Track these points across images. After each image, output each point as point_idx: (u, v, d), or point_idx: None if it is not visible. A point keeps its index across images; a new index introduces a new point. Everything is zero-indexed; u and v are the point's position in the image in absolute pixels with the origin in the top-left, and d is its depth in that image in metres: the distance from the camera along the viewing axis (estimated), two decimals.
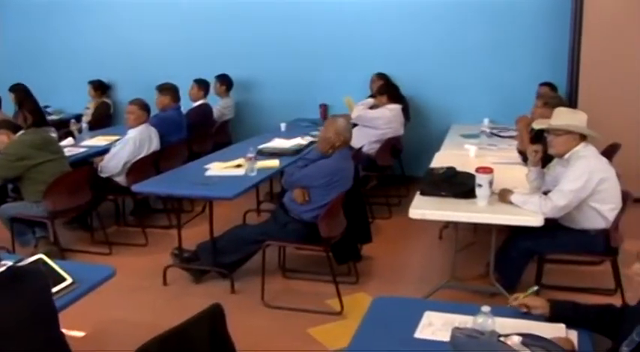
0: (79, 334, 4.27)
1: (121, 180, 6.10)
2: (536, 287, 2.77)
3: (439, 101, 8.27)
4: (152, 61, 8.94)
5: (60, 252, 5.52)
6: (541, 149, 4.54)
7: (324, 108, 8.41)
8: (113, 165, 6.12)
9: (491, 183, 4.19)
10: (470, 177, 4.35)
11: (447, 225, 5.92)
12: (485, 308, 2.41)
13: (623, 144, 5.94)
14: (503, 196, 4.28)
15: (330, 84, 8.37)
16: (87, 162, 6.41)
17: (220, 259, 5.04)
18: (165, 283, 5.16)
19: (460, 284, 4.86)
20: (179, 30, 8.89)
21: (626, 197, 4.41)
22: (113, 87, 9.24)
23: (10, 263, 2.75)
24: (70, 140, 6.93)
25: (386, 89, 7.34)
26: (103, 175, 6.14)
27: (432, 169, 4.85)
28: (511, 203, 4.22)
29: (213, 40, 8.71)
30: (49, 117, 8.42)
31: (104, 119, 8.69)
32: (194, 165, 5.90)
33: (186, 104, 7.82)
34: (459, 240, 5.04)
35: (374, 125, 6.92)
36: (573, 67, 7.23)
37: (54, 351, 2.39)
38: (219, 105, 8.25)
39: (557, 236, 4.41)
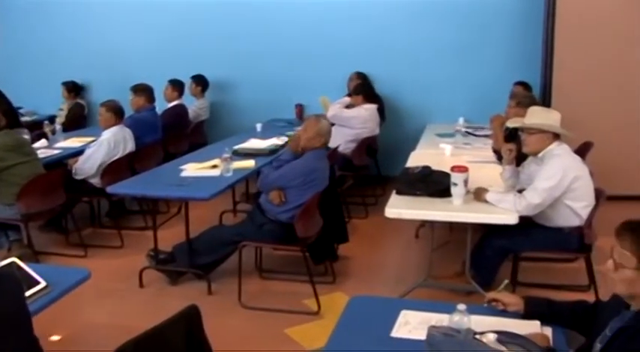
0: (55, 338, 4.23)
1: (95, 181, 6.05)
2: (506, 281, 2.79)
3: (414, 100, 8.31)
4: (127, 61, 8.87)
5: (34, 255, 5.46)
6: (515, 148, 4.58)
7: (300, 108, 8.41)
8: (88, 166, 6.07)
9: (466, 182, 4.21)
10: (445, 176, 4.37)
11: (423, 223, 5.94)
12: (461, 307, 2.42)
13: (596, 143, 6.01)
14: (478, 195, 4.31)
15: (306, 84, 8.36)
16: (61, 164, 6.36)
17: (197, 260, 5.02)
18: (141, 285, 5.12)
19: (436, 282, 4.88)
20: (154, 30, 8.83)
21: (599, 195, 4.45)
22: (87, 88, 9.15)
23: None
24: (43, 142, 6.86)
25: (361, 89, 7.35)
26: (78, 177, 6.09)
27: (408, 168, 4.87)
28: (486, 201, 4.25)
29: (189, 41, 8.66)
30: (22, 119, 8.32)
31: (78, 120, 8.61)
32: (169, 166, 5.87)
33: (162, 105, 7.79)
34: (435, 239, 5.06)
35: (350, 124, 6.93)
36: (546, 66, 7.29)
37: None
38: (195, 106, 8.22)
39: (532, 234, 4.44)
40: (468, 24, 7.97)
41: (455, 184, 4.20)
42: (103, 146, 6.11)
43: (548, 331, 2.50)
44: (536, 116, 4.41)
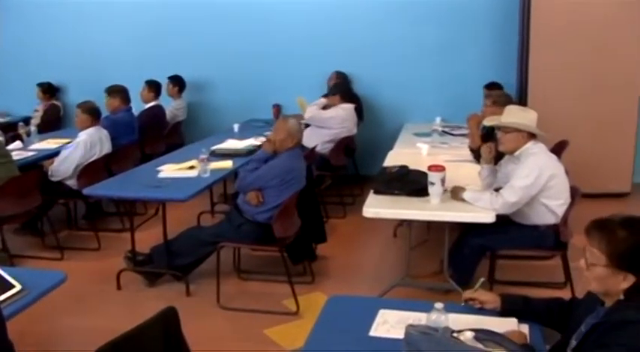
0: (30, 341, 4.19)
1: (72, 183, 6.00)
2: (483, 279, 2.81)
3: (392, 100, 8.33)
4: (103, 62, 8.81)
5: (9, 259, 5.42)
6: (494, 147, 4.61)
7: (277, 108, 8.40)
8: (64, 168, 6.02)
9: (443, 181, 4.23)
10: (422, 176, 4.39)
11: (401, 223, 5.96)
12: (439, 305, 2.43)
13: (571, 142, 6.06)
14: (455, 193, 4.33)
15: (283, 84, 8.36)
16: (36, 166, 6.30)
17: (175, 261, 5.00)
18: (118, 287, 5.10)
19: (415, 281, 4.89)
20: (130, 31, 8.78)
21: (574, 192, 4.49)
22: (63, 89, 9.09)
23: None
24: (18, 143, 6.81)
25: (338, 88, 7.37)
26: (54, 179, 6.04)
27: (385, 168, 4.88)
28: (463, 200, 4.27)
29: (166, 41, 8.62)
30: None
31: (54, 122, 8.55)
32: (147, 167, 5.84)
33: (138, 106, 7.75)
34: (413, 238, 5.08)
35: (328, 125, 6.93)
36: (523, 66, 7.35)
37: None
38: (172, 107, 8.19)
39: (509, 232, 4.47)
40: (445, 24, 8.01)
41: (432, 183, 4.22)
42: (79, 147, 6.06)
43: (525, 328, 2.52)
44: (513, 115, 4.44)
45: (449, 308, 2.49)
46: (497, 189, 4.39)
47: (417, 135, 6.92)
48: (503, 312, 2.63)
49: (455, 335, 2.27)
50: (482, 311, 2.67)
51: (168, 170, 5.50)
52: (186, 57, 8.58)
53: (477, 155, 5.24)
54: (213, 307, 4.73)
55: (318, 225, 5.47)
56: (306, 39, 8.33)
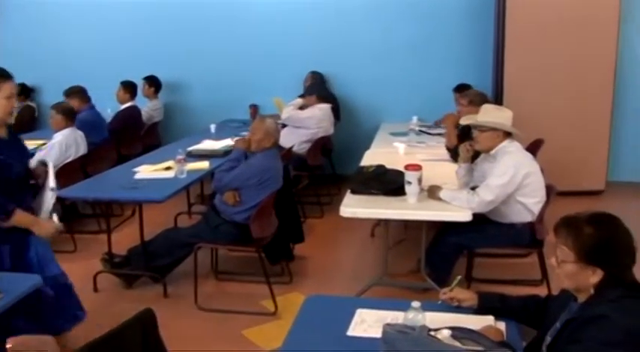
0: (7, 346, 4.14)
1: None
2: (459, 277, 2.83)
3: (368, 100, 8.35)
4: (78, 62, 8.73)
5: None
6: (472, 146, 4.63)
7: (254, 108, 8.38)
8: None
9: (420, 180, 4.24)
10: (399, 175, 4.40)
11: (378, 222, 5.97)
12: (416, 304, 2.44)
13: (547, 140, 6.11)
14: (432, 193, 4.35)
15: (260, 84, 8.36)
16: None
17: (152, 263, 4.97)
18: (95, 290, 5.06)
19: (392, 280, 4.91)
20: (105, 31, 8.73)
21: (550, 190, 4.53)
22: (38, 90, 9.01)
23: None
24: None
25: (315, 89, 7.38)
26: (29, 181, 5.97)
27: (362, 168, 4.89)
28: (440, 199, 4.29)
29: (141, 41, 8.58)
30: None
31: (28, 123, 8.46)
32: (123, 168, 5.80)
33: (114, 106, 7.71)
34: (391, 237, 5.10)
35: (305, 125, 6.93)
36: (498, 66, 7.40)
37: None
38: (148, 107, 8.15)
39: (486, 230, 4.49)
40: (421, 24, 8.05)
41: (409, 182, 4.23)
42: (54, 149, 6.01)
43: (501, 325, 2.54)
44: (489, 114, 4.47)
45: (426, 307, 2.50)
46: (473, 188, 4.42)
47: (394, 134, 6.94)
48: (480, 310, 2.65)
49: (432, 333, 2.28)
50: (459, 309, 2.69)
51: (145, 171, 5.48)
52: (161, 57, 8.54)
53: (453, 154, 5.27)
54: (191, 308, 4.71)
55: (296, 225, 5.47)
56: (283, 39, 8.33)
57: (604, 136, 7.35)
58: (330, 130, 7.30)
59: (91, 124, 6.77)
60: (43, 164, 3.80)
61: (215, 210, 4.92)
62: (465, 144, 4.70)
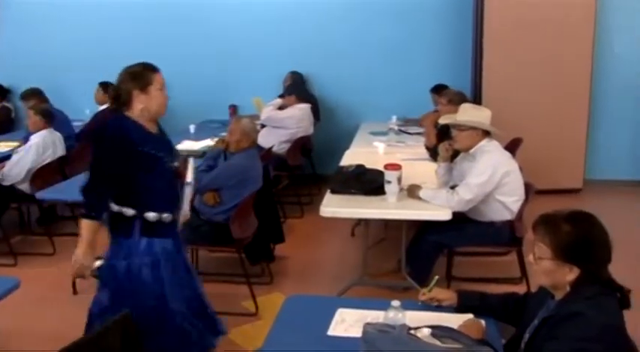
0: None
1: (25, 187, 5.89)
2: (437, 277, 2.84)
3: (348, 100, 8.36)
4: (55, 63, 8.66)
5: None
6: (452, 145, 4.65)
7: (234, 108, 8.37)
8: (16, 172, 5.90)
9: (399, 180, 4.26)
10: (379, 174, 4.41)
11: (358, 222, 5.98)
12: (396, 303, 2.45)
13: (525, 139, 6.15)
14: (411, 192, 4.36)
15: (239, 84, 8.35)
16: None
17: None
18: (75, 292, 5.02)
19: (373, 280, 4.92)
20: (83, 31, 8.66)
21: (528, 189, 4.56)
22: (14, 90, 8.92)
23: None
24: None
25: (294, 89, 7.38)
26: (6, 183, 5.91)
27: (342, 167, 4.90)
28: (420, 198, 4.30)
29: (119, 42, 8.50)
30: None
31: (5, 124, 8.38)
32: None
33: (93, 108, 7.65)
34: (371, 237, 5.11)
35: (284, 125, 6.93)
36: (476, 66, 7.43)
37: None
38: None
39: (465, 229, 4.51)
40: (399, 24, 8.07)
41: (389, 182, 4.25)
42: (31, 150, 5.96)
43: (481, 323, 2.55)
44: (467, 113, 4.49)
45: (406, 306, 2.51)
46: (453, 187, 4.44)
47: (374, 134, 6.95)
48: (459, 309, 2.67)
49: (412, 332, 2.29)
50: (439, 308, 2.70)
51: None
52: (139, 58, 8.39)
53: (433, 153, 5.28)
54: None
55: (276, 226, 5.47)
56: (262, 39, 8.32)
57: (581, 135, 7.42)
58: (310, 130, 7.30)
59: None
60: (185, 160, 3.72)
61: (195, 211, 4.90)
62: (445, 144, 4.71)
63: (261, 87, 8.07)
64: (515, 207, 4.46)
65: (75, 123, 7.54)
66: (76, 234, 6.05)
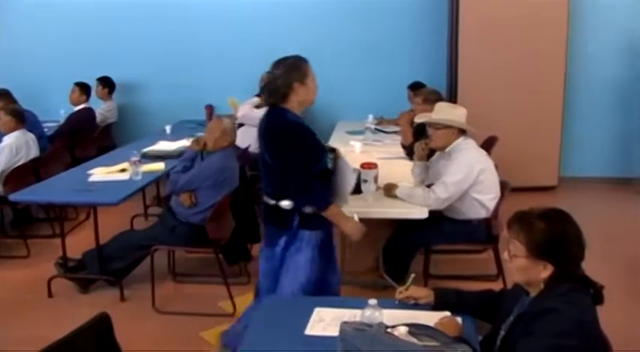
0: None
1: None
2: (413, 275, 2.85)
3: (324, 99, 8.27)
4: (29, 63, 8.57)
5: None
6: (428, 144, 4.67)
7: (210, 108, 8.34)
8: None
9: (376, 178, 4.27)
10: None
11: None
12: (372, 301, 2.45)
13: (500, 137, 6.19)
14: (388, 190, 4.38)
15: (215, 84, 8.31)
16: None
17: (108, 267, 4.92)
18: (50, 295, 4.97)
19: (350, 278, 4.91)
20: (58, 31, 8.58)
21: (504, 187, 4.59)
22: None
23: None
24: None
25: None
26: None
27: None
28: (396, 197, 4.32)
29: (94, 42, 8.45)
30: None
31: None
32: (76, 170, 5.72)
33: (68, 108, 7.59)
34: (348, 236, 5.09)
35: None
36: (452, 64, 7.48)
37: None
38: (102, 109, 8.04)
39: (442, 227, 4.53)
40: (374, 23, 8.10)
41: (365, 181, 4.26)
42: (4, 152, 5.89)
43: (458, 320, 2.56)
44: (443, 112, 4.51)
45: (384, 304, 2.53)
46: (429, 186, 4.45)
47: (350, 133, 6.97)
48: (436, 306, 2.68)
49: (389, 330, 2.30)
50: (416, 306, 2.71)
51: (99, 173, 5.41)
52: (115, 58, 8.44)
53: (409, 152, 5.30)
54: (148, 311, 4.67)
55: (253, 226, 5.45)
56: (238, 39, 8.31)
57: (556, 132, 7.49)
58: None
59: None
60: (332, 150, 3.66)
61: (171, 212, 4.89)
62: (421, 142, 4.73)
63: (237, 87, 8.04)
64: (491, 204, 4.49)
65: (49, 124, 7.50)
66: (51, 236, 6.07)
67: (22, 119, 6.13)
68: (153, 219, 6.20)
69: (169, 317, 4.61)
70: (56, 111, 7.84)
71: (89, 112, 7.67)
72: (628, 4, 7.63)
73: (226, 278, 4.70)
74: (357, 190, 4.32)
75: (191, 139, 5.34)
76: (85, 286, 5.03)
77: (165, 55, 8.40)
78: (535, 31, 7.14)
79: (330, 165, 3.55)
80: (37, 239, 6.13)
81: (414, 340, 2.29)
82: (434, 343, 2.28)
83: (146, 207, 6.80)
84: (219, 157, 4.76)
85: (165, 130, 7.32)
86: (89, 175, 5.38)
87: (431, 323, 2.42)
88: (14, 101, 6.90)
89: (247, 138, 6.64)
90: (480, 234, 4.54)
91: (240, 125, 6.85)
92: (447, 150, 4.48)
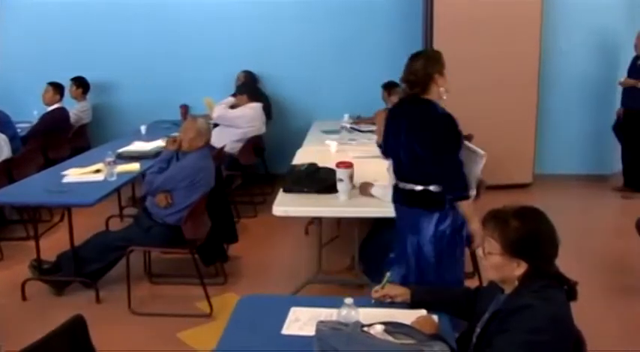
0: None
1: None
2: (388, 274, 2.86)
3: (300, 98, 8.37)
4: (1, 62, 8.48)
5: None
6: None
7: (185, 108, 8.30)
8: None
9: (351, 178, 4.28)
10: (331, 173, 4.43)
11: (312, 220, 5.99)
12: (348, 300, 2.46)
13: (475, 135, 6.20)
14: (363, 189, 4.39)
15: (190, 84, 8.29)
16: None
17: (83, 268, 4.88)
18: (24, 298, 4.91)
19: (327, 278, 4.93)
20: (30, 30, 8.49)
21: (479, 184, 4.59)
22: None
23: None
24: None
25: (245, 88, 7.35)
26: None
27: (294, 166, 4.90)
28: (372, 196, 4.33)
29: (68, 41, 8.37)
30: None
31: None
32: (50, 172, 5.67)
33: (41, 108, 7.52)
34: (324, 235, 5.11)
35: (236, 124, 6.90)
36: None
37: None
38: (76, 109, 7.97)
39: None
40: (349, 22, 8.12)
41: (340, 180, 4.27)
42: None
43: (434, 318, 2.57)
44: None
45: (360, 303, 2.53)
46: None
47: (326, 132, 6.98)
48: (412, 304, 2.69)
49: (365, 329, 2.31)
50: (392, 304, 2.72)
51: (74, 174, 5.37)
52: (89, 57, 8.36)
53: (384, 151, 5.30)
54: (124, 313, 4.63)
55: (229, 226, 5.45)
56: (213, 39, 8.28)
57: (530, 130, 7.56)
58: (262, 129, 7.29)
59: None
60: None
61: (147, 213, 4.87)
62: None
63: (212, 86, 8.04)
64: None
65: (22, 125, 7.42)
66: (24, 239, 6.01)
67: None
68: (129, 220, 6.15)
69: (146, 318, 4.59)
70: (29, 111, 7.76)
71: (63, 112, 7.60)
72: (600, 4, 7.73)
73: (203, 279, 4.69)
74: (333, 189, 4.34)
75: (166, 139, 5.31)
76: (59, 288, 4.98)
77: (140, 55, 8.35)
78: (509, 30, 7.19)
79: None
80: (11, 241, 6.06)
81: (390, 338, 2.30)
82: (410, 341, 2.29)
83: (121, 208, 6.75)
84: (194, 157, 4.74)
85: (140, 130, 7.28)
86: (63, 176, 5.33)
87: (407, 322, 2.43)
88: None
89: (223, 138, 6.63)
90: None
91: (216, 125, 6.84)
92: None
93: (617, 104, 7.68)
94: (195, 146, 4.77)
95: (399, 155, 3.75)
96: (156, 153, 5.90)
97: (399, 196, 3.79)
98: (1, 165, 5.95)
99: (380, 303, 2.73)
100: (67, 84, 7.90)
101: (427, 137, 3.58)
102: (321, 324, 2.29)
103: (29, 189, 5.15)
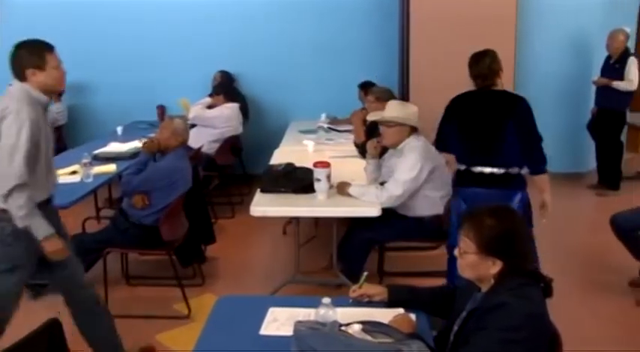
0: None
1: None
2: (365, 273, 2.87)
3: (277, 98, 8.37)
4: None
5: None
6: (379, 142, 4.70)
7: (162, 109, 8.25)
8: None
9: (329, 177, 4.29)
10: (308, 172, 4.44)
11: (290, 220, 5.99)
12: (326, 300, 2.46)
13: None
14: (341, 189, 4.40)
15: (167, 85, 8.25)
16: None
17: None
18: None
19: (306, 278, 4.94)
20: (5, 30, 8.40)
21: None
22: None
23: None
24: None
25: (222, 88, 7.34)
26: None
27: (272, 166, 4.90)
28: (349, 195, 4.35)
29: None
30: None
31: None
32: None
33: None
34: (302, 235, 5.12)
35: (212, 124, 6.89)
36: (403, 63, 7.52)
37: None
38: (51, 110, 7.89)
39: (395, 224, 4.57)
40: (326, 22, 8.13)
41: (318, 180, 4.27)
42: None
43: (412, 317, 2.58)
44: (394, 110, 4.55)
45: (338, 302, 2.54)
46: (382, 183, 4.48)
47: (303, 132, 6.98)
48: (390, 303, 2.70)
49: (343, 328, 2.31)
50: (370, 303, 2.73)
51: None
52: (64, 58, 8.18)
53: (362, 150, 5.33)
54: None
55: (207, 226, 5.43)
56: (190, 39, 8.25)
57: None
58: (239, 129, 7.28)
59: None
60: None
61: (124, 214, 4.83)
62: (373, 141, 4.76)
63: (189, 87, 8.01)
64: (443, 202, 4.54)
65: None
66: None
67: None
68: (105, 221, 6.12)
69: (123, 320, 4.52)
70: None
71: None
72: (573, 5, 7.82)
73: (180, 280, 4.67)
74: (310, 189, 4.34)
75: (143, 140, 5.28)
76: (37, 291, 4.93)
77: (116, 55, 8.30)
78: (484, 30, 7.21)
79: None
80: None
81: (368, 337, 2.31)
82: (388, 340, 2.30)
83: (98, 210, 6.70)
84: (171, 158, 4.72)
85: (116, 131, 7.22)
86: None
87: (385, 321, 2.43)
88: None
89: (200, 139, 6.61)
90: (432, 230, 4.59)
91: (193, 125, 6.81)
92: (398, 147, 4.52)
93: (592, 103, 7.77)
94: (171, 146, 4.75)
95: (471, 142, 4.24)
96: (132, 154, 5.87)
97: (474, 180, 4.15)
98: None
99: (358, 303, 2.73)
100: None
101: (518, 122, 4.14)
102: (299, 324, 2.30)
103: None
